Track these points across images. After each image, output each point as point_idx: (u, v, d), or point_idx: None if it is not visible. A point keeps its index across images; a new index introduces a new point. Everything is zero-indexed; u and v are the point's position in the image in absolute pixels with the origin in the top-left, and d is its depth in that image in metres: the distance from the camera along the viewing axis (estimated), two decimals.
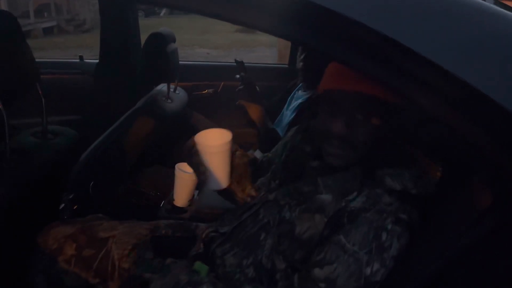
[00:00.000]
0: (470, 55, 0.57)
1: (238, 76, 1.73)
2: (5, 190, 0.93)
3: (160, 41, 1.76)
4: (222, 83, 2.31)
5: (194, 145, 1.05)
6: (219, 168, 1.02)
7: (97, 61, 2.16)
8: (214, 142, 1.00)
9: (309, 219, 0.88)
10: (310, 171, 0.97)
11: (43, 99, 1.09)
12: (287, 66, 2.51)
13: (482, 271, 0.67)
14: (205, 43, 9.48)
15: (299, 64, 1.62)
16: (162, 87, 1.93)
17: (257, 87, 1.72)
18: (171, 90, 1.91)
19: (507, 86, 0.56)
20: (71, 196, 1.45)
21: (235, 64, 1.75)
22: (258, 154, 1.77)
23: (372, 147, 0.90)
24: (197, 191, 1.48)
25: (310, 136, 1.04)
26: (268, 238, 0.96)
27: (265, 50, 8.75)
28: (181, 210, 1.36)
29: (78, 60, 2.28)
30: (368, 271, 0.77)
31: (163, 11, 15.99)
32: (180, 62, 1.99)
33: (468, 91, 0.55)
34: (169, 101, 1.85)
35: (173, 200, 1.35)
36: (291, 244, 0.90)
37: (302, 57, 1.58)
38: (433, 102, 0.61)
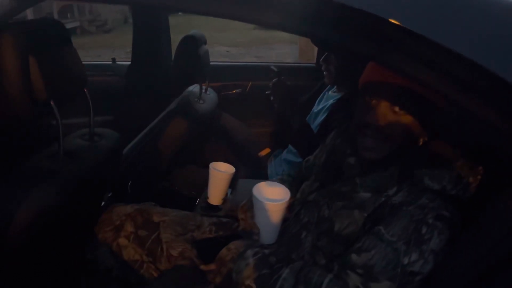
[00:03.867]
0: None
1: (267, 92, 1.72)
2: (56, 190, 0.98)
3: (193, 43, 1.80)
4: (250, 83, 2.34)
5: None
6: (275, 223, 1.02)
7: (129, 63, 2.21)
8: (274, 203, 0.99)
9: (348, 216, 0.91)
10: (349, 172, 0.99)
11: (90, 103, 1.14)
12: (313, 65, 2.52)
13: None
14: (225, 41, 9.50)
15: (325, 66, 1.63)
16: (194, 88, 1.97)
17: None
18: (202, 91, 1.94)
19: None
20: (110, 195, 1.51)
21: (262, 63, 1.77)
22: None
23: (410, 147, 0.92)
24: (230, 190, 1.51)
25: (349, 137, 1.06)
26: (308, 236, 0.99)
27: (285, 47, 8.72)
28: (215, 208, 1.39)
29: (110, 62, 2.34)
30: (406, 260, 0.79)
31: None
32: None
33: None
34: (201, 101, 1.89)
35: (208, 198, 1.39)
36: (330, 240, 0.93)
37: (333, 59, 1.59)
38: (475, 102, 0.63)
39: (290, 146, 1.80)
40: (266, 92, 1.72)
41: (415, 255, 0.79)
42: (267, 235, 1.04)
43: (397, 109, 0.89)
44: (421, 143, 0.94)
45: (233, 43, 9.36)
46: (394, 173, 0.90)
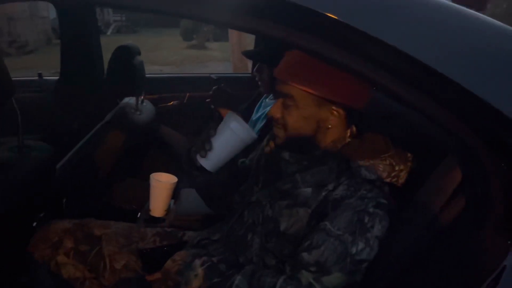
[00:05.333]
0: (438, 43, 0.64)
1: (214, 76, 1.74)
2: None
3: (127, 54, 1.77)
4: (188, 94, 2.33)
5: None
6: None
7: (57, 78, 2.11)
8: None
9: (293, 214, 0.93)
10: (287, 168, 1.02)
11: (18, 114, 1.07)
12: (250, 75, 2.56)
13: (455, 250, 0.74)
14: (157, 59, 9.38)
15: (259, 76, 1.67)
16: (130, 99, 1.91)
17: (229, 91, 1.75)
18: (139, 101, 1.90)
19: (473, 70, 0.63)
20: (42, 215, 1.41)
21: (198, 74, 1.78)
22: None
23: (346, 140, 0.97)
24: (173, 200, 1.48)
25: None
26: (255, 237, 1.00)
27: (218, 65, 8.81)
28: (158, 219, 1.36)
29: (36, 78, 2.21)
30: (353, 250, 0.83)
31: (110, 30, 15.68)
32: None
33: (435, 76, 0.61)
34: (138, 113, 1.84)
35: (150, 210, 1.35)
36: (278, 240, 0.95)
37: (265, 68, 1.64)
38: (402, 89, 0.67)
39: None
40: (207, 100, 1.73)
41: (362, 244, 0.84)
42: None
43: (289, 104, 0.95)
44: (348, 134, 0.98)
45: (165, 62, 9.27)
46: (333, 167, 0.94)
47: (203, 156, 0.98)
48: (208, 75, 1.90)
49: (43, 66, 2.05)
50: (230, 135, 0.99)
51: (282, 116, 0.96)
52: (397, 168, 0.92)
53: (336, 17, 0.58)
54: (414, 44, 0.60)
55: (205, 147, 0.97)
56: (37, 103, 2.09)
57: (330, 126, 0.95)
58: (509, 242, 0.61)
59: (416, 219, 0.84)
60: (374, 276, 0.84)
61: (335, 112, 0.94)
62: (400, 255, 0.83)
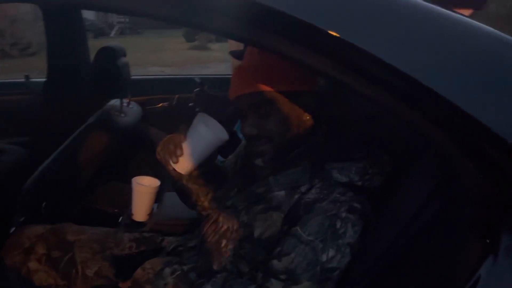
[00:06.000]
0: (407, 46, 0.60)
1: (198, 80, 1.73)
2: None
3: (110, 55, 1.74)
4: (177, 96, 2.30)
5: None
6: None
7: (45, 79, 2.09)
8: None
9: (266, 219, 0.90)
10: (260, 173, 0.98)
11: None
12: None
13: (432, 254, 0.70)
14: (158, 61, 9.39)
15: None
16: (115, 102, 1.89)
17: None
18: (125, 104, 1.87)
19: (445, 74, 0.59)
20: (22, 219, 1.38)
21: (188, 76, 1.76)
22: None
23: (320, 141, 0.94)
24: (156, 204, 1.45)
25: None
26: (229, 244, 0.96)
27: (220, 65, 8.79)
28: (140, 224, 1.33)
29: (24, 80, 2.19)
30: (324, 257, 0.79)
31: (113, 31, 15.75)
32: (132, 76, 1.97)
33: (409, 82, 0.57)
34: (122, 115, 1.82)
35: (132, 214, 1.32)
36: (252, 246, 0.91)
37: None
38: (374, 92, 0.64)
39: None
40: (190, 104, 1.71)
41: (332, 251, 0.80)
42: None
43: (262, 111, 0.91)
44: (319, 136, 0.95)
45: (167, 63, 9.27)
46: (306, 168, 0.91)
47: (174, 162, 0.97)
48: (195, 77, 1.87)
49: (45, 68, 2.02)
50: (198, 139, 0.97)
51: (263, 129, 0.92)
52: (370, 171, 0.88)
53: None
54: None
55: (176, 152, 0.95)
56: (24, 105, 2.08)
57: (308, 118, 0.93)
58: (488, 241, 0.58)
59: (390, 224, 0.80)
60: (347, 284, 0.80)
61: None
62: (375, 262, 0.79)
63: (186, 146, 0.97)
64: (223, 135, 0.99)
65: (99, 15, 14.94)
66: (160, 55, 10.03)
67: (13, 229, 1.31)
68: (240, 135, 1.75)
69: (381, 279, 0.76)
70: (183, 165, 0.99)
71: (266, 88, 0.89)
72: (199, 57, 10.07)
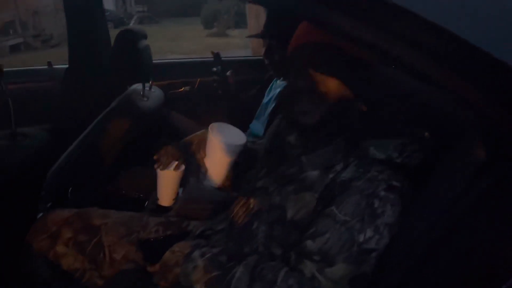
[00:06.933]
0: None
1: (214, 69, 1.69)
2: None
3: (131, 37, 1.71)
4: (199, 79, 2.26)
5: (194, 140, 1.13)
6: (224, 165, 1.03)
7: (66, 66, 2.08)
8: (232, 141, 1.00)
9: (299, 200, 0.87)
10: (291, 152, 0.95)
11: (9, 99, 1.03)
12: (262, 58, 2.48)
13: (476, 240, 0.65)
14: (178, 49, 9.40)
15: (269, 59, 1.59)
16: (137, 86, 1.87)
17: (232, 80, 1.69)
18: (146, 88, 1.85)
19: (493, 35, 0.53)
20: (49, 205, 1.38)
21: (209, 59, 1.72)
22: None
23: (353, 117, 0.89)
24: (181, 189, 1.43)
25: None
26: (261, 226, 0.93)
27: (239, 52, 8.73)
28: (166, 209, 1.31)
29: (46, 67, 2.19)
30: (361, 238, 0.76)
31: (132, 21, 15.84)
32: (153, 61, 1.93)
33: (456, 43, 0.52)
34: (145, 99, 1.79)
35: (157, 199, 1.30)
36: (285, 228, 0.88)
37: (275, 50, 1.56)
38: (420, 59, 0.59)
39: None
40: (214, 85, 1.68)
41: (370, 232, 0.76)
42: (213, 177, 1.05)
43: (324, 68, 0.86)
44: (358, 114, 0.90)
45: (187, 51, 9.28)
46: (340, 146, 0.87)
47: (203, 180, 1.04)
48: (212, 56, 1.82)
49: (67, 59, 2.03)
50: (221, 154, 0.99)
51: (321, 83, 0.87)
52: (409, 147, 0.83)
53: None
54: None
55: (201, 170, 1.03)
56: (47, 92, 2.08)
57: (349, 93, 0.88)
58: None
59: (432, 204, 0.75)
60: (385, 267, 0.76)
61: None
62: (414, 244, 0.74)
63: (209, 163, 1.03)
64: (242, 140, 1.00)
65: (118, 5, 15.03)
66: (179, 43, 10.04)
67: (40, 214, 1.30)
68: (254, 132, 1.72)
69: (420, 264, 0.71)
70: (214, 179, 1.05)
71: (336, 42, 0.85)
72: (219, 44, 10.02)
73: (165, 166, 1.12)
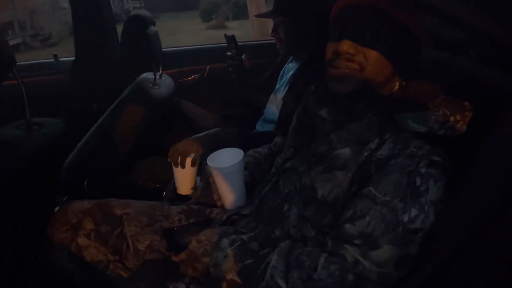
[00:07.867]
0: None
1: (229, 53, 1.65)
2: None
3: (140, 23, 1.66)
4: (208, 66, 2.21)
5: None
6: (233, 186, 1.06)
7: (73, 58, 2.04)
8: (224, 164, 1.03)
9: (330, 179, 0.82)
10: (322, 128, 0.91)
11: (23, 86, 0.98)
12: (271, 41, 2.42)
13: None
14: (177, 43, 9.29)
15: (277, 37, 1.56)
16: (147, 75, 1.82)
17: (249, 64, 1.65)
18: (157, 76, 1.80)
19: None
20: (65, 199, 1.35)
21: (220, 44, 1.67)
22: None
23: (391, 92, 0.85)
24: (199, 177, 1.40)
25: (321, 87, 0.98)
26: (292, 208, 0.90)
27: (239, 43, 8.65)
28: (185, 197, 1.28)
29: (52, 60, 2.14)
30: (405, 218, 0.72)
31: None
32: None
33: None
34: (156, 87, 1.75)
35: (176, 188, 1.26)
36: (317, 208, 0.84)
37: (282, 28, 1.51)
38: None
39: (258, 126, 1.71)
40: (230, 69, 1.64)
41: (415, 211, 0.72)
42: (230, 200, 1.08)
43: (367, 34, 0.82)
44: (397, 87, 0.87)
45: (186, 44, 9.19)
46: (373, 121, 0.82)
47: (222, 205, 1.11)
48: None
49: (68, 57, 2.00)
50: (228, 181, 1.03)
51: (361, 53, 0.82)
52: (452, 118, 0.77)
53: None
54: None
55: (215, 199, 1.11)
56: (55, 85, 2.04)
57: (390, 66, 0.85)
58: None
59: (479, 179, 0.69)
60: (430, 248, 0.71)
61: None
62: (460, 223, 0.69)
63: (221, 190, 1.08)
64: (239, 157, 1.03)
65: (115, 1, 14.93)
66: (178, 37, 9.94)
67: (57, 208, 1.27)
68: (269, 117, 1.68)
69: (465, 246, 0.66)
70: (234, 201, 1.08)
71: (385, 6, 0.81)
72: (217, 36, 9.92)
73: (184, 159, 1.15)
